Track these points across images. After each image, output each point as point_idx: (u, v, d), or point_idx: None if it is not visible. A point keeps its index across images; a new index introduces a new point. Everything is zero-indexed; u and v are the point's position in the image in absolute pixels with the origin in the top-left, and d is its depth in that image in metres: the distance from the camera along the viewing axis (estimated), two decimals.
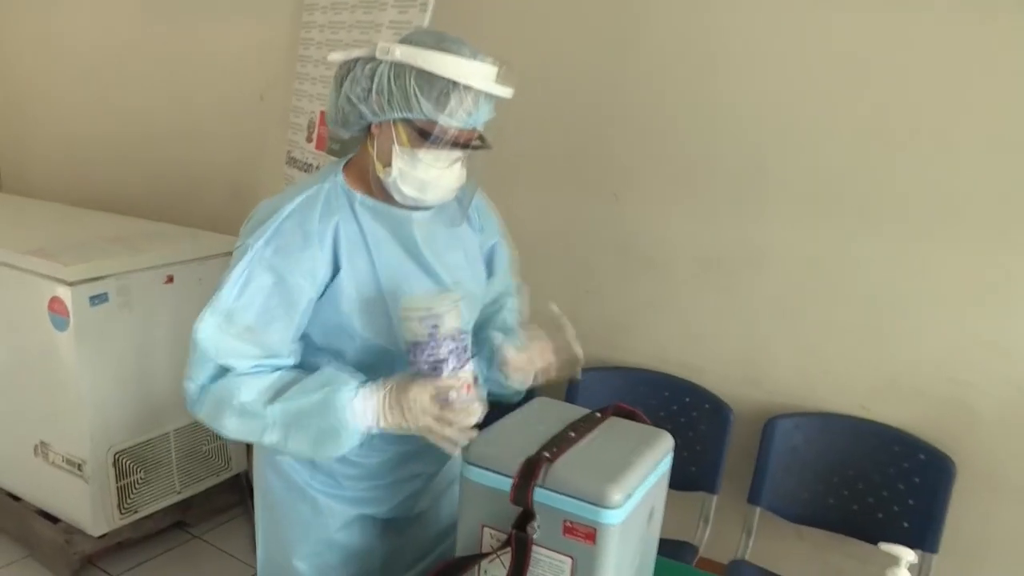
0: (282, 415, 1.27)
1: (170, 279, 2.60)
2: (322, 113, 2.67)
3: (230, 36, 3.22)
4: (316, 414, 1.26)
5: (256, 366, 1.31)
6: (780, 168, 2.17)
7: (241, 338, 1.29)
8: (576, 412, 1.40)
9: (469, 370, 1.28)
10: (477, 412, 1.28)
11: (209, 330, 1.29)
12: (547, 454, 1.21)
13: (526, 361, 1.48)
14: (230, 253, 2.75)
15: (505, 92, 1.29)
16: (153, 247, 2.64)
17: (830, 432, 2.19)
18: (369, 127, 1.35)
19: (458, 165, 1.35)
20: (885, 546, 1.23)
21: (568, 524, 1.18)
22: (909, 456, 2.08)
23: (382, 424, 1.27)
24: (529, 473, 1.19)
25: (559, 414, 1.38)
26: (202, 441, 2.82)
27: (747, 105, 2.19)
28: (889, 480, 2.11)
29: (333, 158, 2.54)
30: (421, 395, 1.25)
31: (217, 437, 2.85)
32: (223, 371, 1.30)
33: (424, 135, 1.29)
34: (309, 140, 2.73)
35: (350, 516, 1.50)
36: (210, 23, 3.27)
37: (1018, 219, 1.91)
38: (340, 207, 1.37)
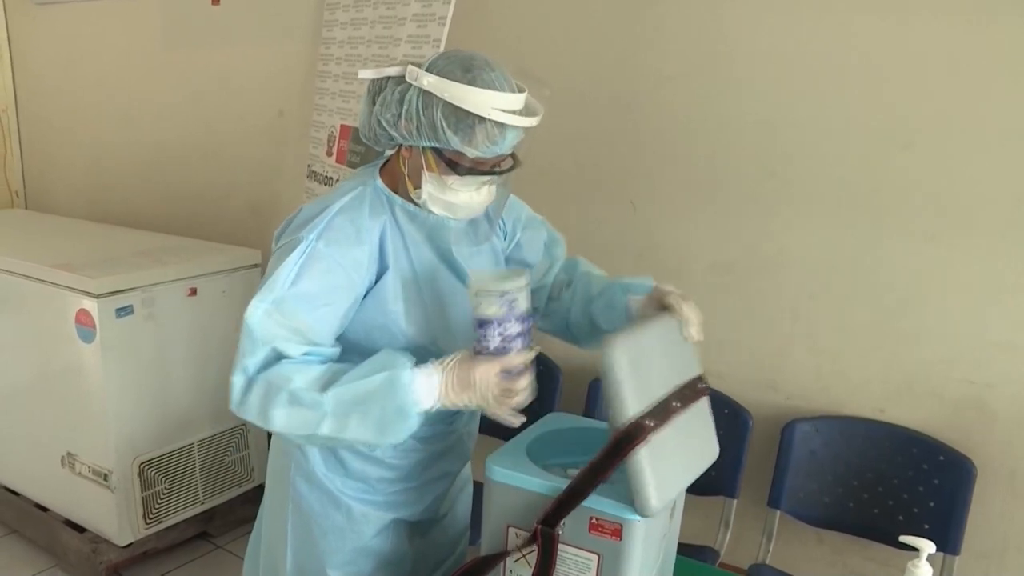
0: (340, 402, 1.25)
1: (193, 291, 2.65)
2: (342, 127, 2.71)
3: (250, 55, 3.27)
4: (380, 396, 1.25)
5: (306, 354, 1.31)
6: (794, 173, 2.19)
7: (290, 327, 1.29)
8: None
9: (533, 352, 1.31)
10: (533, 395, 1.30)
11: (259, 315, 1.28)
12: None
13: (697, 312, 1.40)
14: (253, 266, 2.86)
15: (530, 122, 1.30)
16: (176, 260, 2.69)
17: (848, 435, 2.19)
18: (400, 146, 1.38)
19: (486, 187, 1.37)
20: (905, 538, 1.24)
21: (594, 521, 1.20)
22: (928, 458, 2.08)
23: (443, 402, 1.27)
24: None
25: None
26: (225, 452, 2.86)
27: (761, 110, 2.21)
28: (909, 482, 2.10)
29: (353, 171, 2.58)
30: (489, 371, 1.26)
31: (241, 447, 2.90)
32: (274, 360, 1.29)
33: (451, 164, 1.31)
34: (329, 154, 2.77)
35: (384, 522, 1.51)
36: (230, 43, 3.32)
37: None
38: (384, 209, 1.41)
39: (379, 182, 1.43)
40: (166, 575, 2.74)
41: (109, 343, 2.45)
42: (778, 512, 2.23)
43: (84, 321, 2.44)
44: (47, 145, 4.24)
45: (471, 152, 1.28)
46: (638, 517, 1.18)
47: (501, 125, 1.27)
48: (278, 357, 1.29)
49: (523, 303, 1.28)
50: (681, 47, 2.30)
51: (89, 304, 2.42)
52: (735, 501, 2.29)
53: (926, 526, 2.07)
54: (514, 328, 1.27)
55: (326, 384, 1.26)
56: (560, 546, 1.22)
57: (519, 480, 1.26)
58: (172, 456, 2.69)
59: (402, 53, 2.37)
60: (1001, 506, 2.05)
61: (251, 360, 1.29)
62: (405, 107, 1.29)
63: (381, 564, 1.53)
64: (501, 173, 1.36)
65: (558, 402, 2.44)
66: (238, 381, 1.30)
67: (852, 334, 2.18)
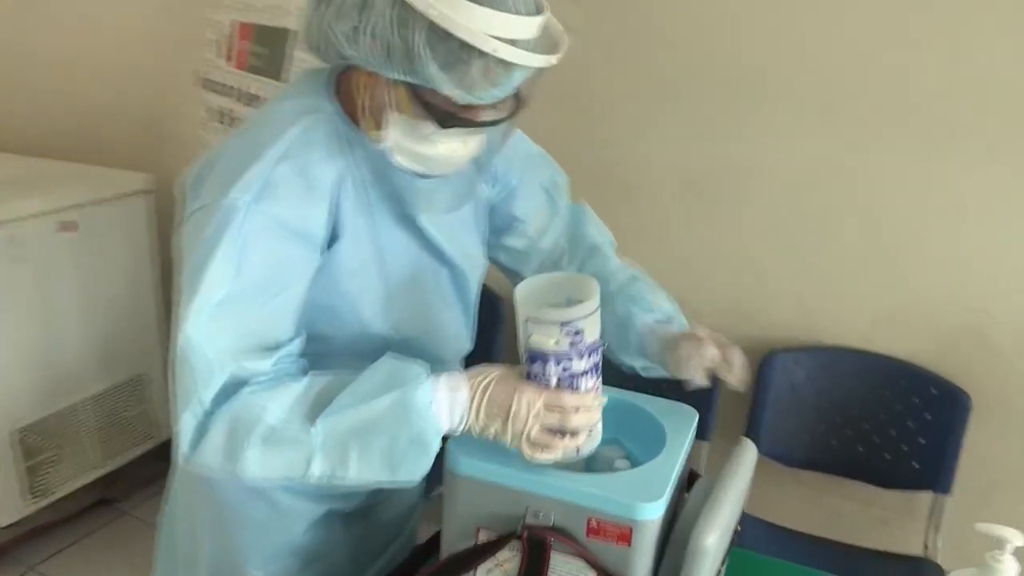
0: (334, 433, 0.95)
1: (71, 226, 2.24)
2: (241, 25, 2.30)
3: None
4: (389, 424, 0.94)
5: (275, 364, 0.98)
6: (772, 74, 1.92)
7: (247, 331, 0.97)
8: None
9: (601, 394, 1.02)
10: (596, 441, 1.02)
11: (203, 328, 0.94)
12: None
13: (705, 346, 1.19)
14: (144, 192, 2.44)
15: (548, 61, 0.92)
16: (47, 189, 2.27)
17: (832, 367, 2.00)
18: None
19: (475, 138, 1.02)
20: (985, 526, 1.00)
21: (594, 524, 0.94)
22: (919, 391, 1.92)
23: (465, 426, 0.97)
24: None
25: None
26: (123, 408, 2.51)
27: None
28: (897, 417, 1.94)
29: (258, 77, 2.20)
30: (535, 400, 0.96)
31: (140, 401, 2.55)
32: (235, 387, 0.97)
33: (430, 108, 0.94)
34: (228, 59, 2.35)
35: (316, 515, 1.22)
36: None
37: None
38: (343, 149, 1.04)
39: (337, 107, 1.05)
40: (64, 551, 2.42)
41: None
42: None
43: None
44: None
45: (462, 97, 0.92)
46: (653, 516, 0.93)
47: (507, 63, 0.90)
48: (242, 382, 0.96)
49: (591, 333, 0.97)
50: None
51: None
52: (707, 444, 2.08)
53: (915, 464, 1.94)
54: (579, 365, 0.96)
55: (313, 410, 0.94)
56: (551, 555, 0.96)
57: (493, 473, 0.98)
58: (58, 418, 2.32)
59: None
60: (990, 443, 1.89)
61: (207, 392, 0.95)
62: (373, 20, 0.89)
63: (313, 559, 1.25)
64: (497, 123, 0.99)
65: (502, 346, 2.15)
66: (189, 423, 0.96)
67: (837, 256, 1.96)
